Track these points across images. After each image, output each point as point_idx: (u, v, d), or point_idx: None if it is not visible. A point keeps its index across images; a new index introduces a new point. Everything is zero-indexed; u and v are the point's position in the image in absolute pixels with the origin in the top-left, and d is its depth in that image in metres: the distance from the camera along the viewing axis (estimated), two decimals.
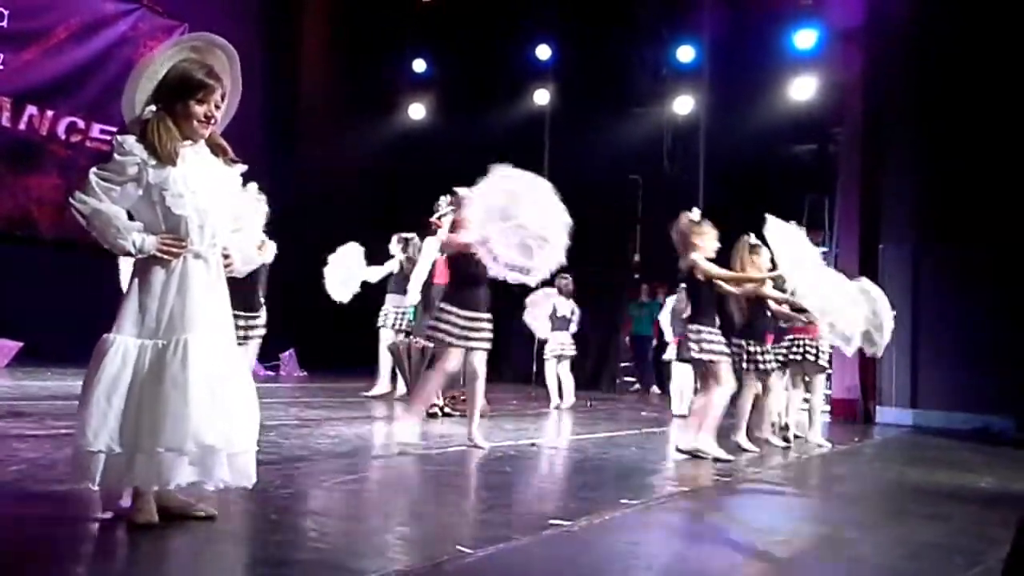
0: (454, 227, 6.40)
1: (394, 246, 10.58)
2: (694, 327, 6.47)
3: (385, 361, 10.33)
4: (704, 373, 6.66)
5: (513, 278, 5.99)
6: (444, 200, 8.75)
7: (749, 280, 7.01)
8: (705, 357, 6.39)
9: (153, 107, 3.44)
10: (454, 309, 6.18)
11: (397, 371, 9.99)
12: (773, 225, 6.77)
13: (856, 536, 4.30)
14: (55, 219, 12.60)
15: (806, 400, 8.44)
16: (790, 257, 6.70)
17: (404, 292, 9.96)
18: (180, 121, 3.45)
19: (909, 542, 4.11)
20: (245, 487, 3.51)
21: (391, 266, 10.50)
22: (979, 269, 11.03)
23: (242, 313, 6.37)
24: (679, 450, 6.53)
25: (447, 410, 8.65)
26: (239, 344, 6.43)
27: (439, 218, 8.56)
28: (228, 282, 3.62)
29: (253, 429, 3.54)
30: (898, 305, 11.42)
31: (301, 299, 10.96)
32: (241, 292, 5.86)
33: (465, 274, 6.22)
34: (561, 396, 11.17)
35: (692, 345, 6.46)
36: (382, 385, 10.32)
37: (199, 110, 3.45)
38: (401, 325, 10.32)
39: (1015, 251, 10.63)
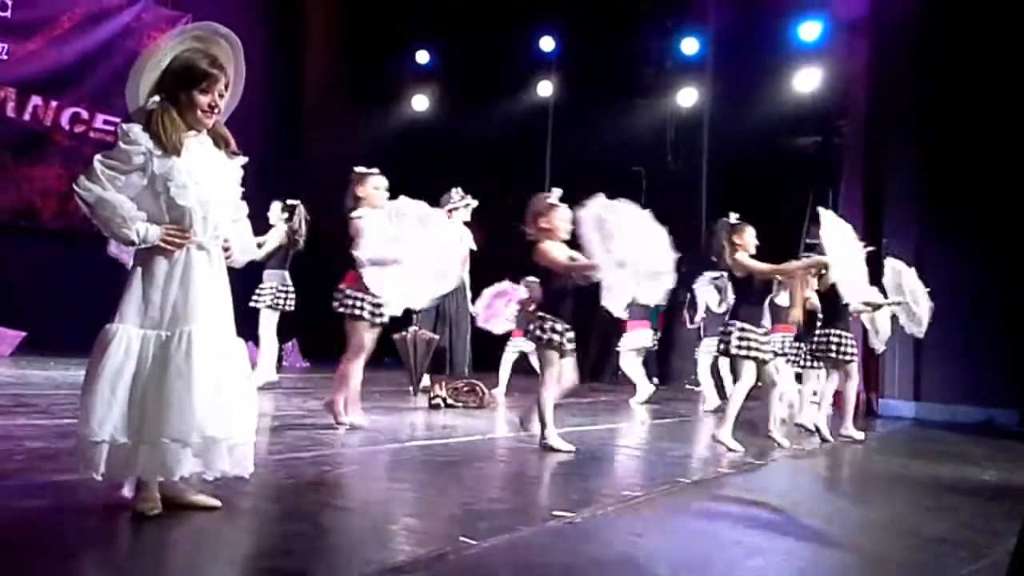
0: (543, 232, 6.18)
1: (276, 214, 9.55)
2: (737, 324, 6.63)
3: (270, 346, 9.41)
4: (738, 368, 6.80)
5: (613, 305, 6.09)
6: (457, 192, 8.72)
7: (791, 270, 7.27)
8: (742, 353, 6.55)
9: (157, 97, 3.43)
10: (559, 320, 6.09)
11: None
12: (827, 217, 7.11)
13: (858, 530, 4.30)
14: (58, 209, 12.63)
15: (814, 393, 8.47)
16: (839, 252, 6.92)
17: (286, 267, 9.37)
18: (184, 111, 3.44)
19: (912, 536, 4.11)
20: (243, 477, 3.52)
21: (275, 238, 9.39)
22: (983, 262, 11.01)
23: None
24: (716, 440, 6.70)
25: (449, 401, 8.65)
26: None
27: (450, 211, 8.49)
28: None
29: (252, 420, 3.55)
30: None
31: (304, 289, 10.95)
32: None
33: (564, 287, 6.17)
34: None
35: (735, 341, 6.57)
36: (267, 373, 9.14)
37: (203, 100, 3.45)
38: (284, 305, 9.35)
39: (1018, 244, 10.61)
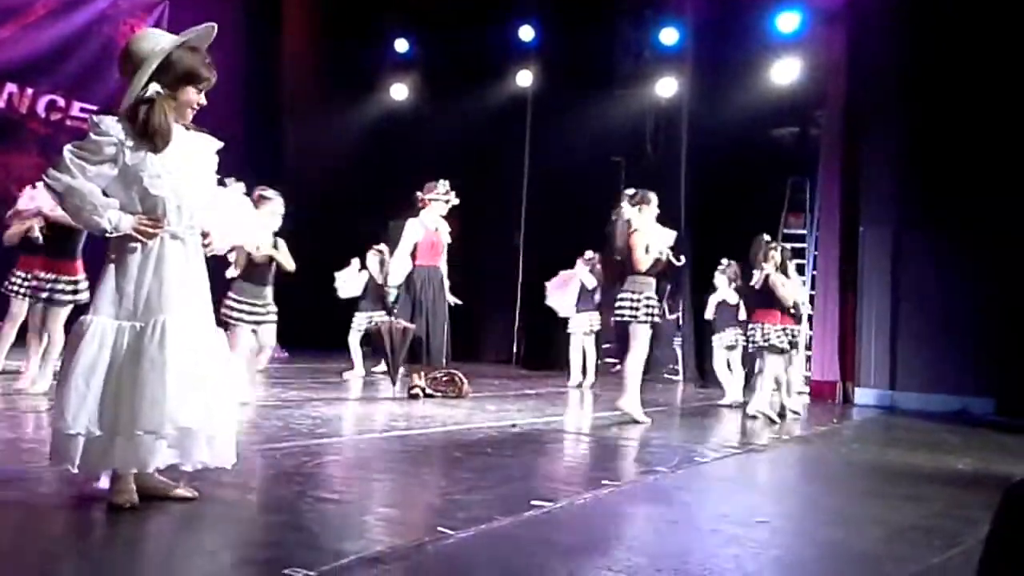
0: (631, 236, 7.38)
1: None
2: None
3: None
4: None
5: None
6: (443, 184, 8.73)
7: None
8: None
9: (158, 88, 3.41)
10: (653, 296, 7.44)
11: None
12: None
13: (834, 518, 4.33)
14: None
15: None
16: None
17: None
18: (178, 106, 3.46)
19: (887, 524, 4.14)
20: (225, 468, 3.51)
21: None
22: (959, 252, 11.08)
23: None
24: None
25: (428, 391, 8.65)
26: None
27: (425, 200, 8.56)
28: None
29: (233, 410, 3.54)
30: (878, 287, 11.57)
31: (281, 280, 10.91)
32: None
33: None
34: (584, 374, 11.42)
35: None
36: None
37: (196, 98, 3.50)
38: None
39: (995, 234, 10.68)
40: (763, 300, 8.65)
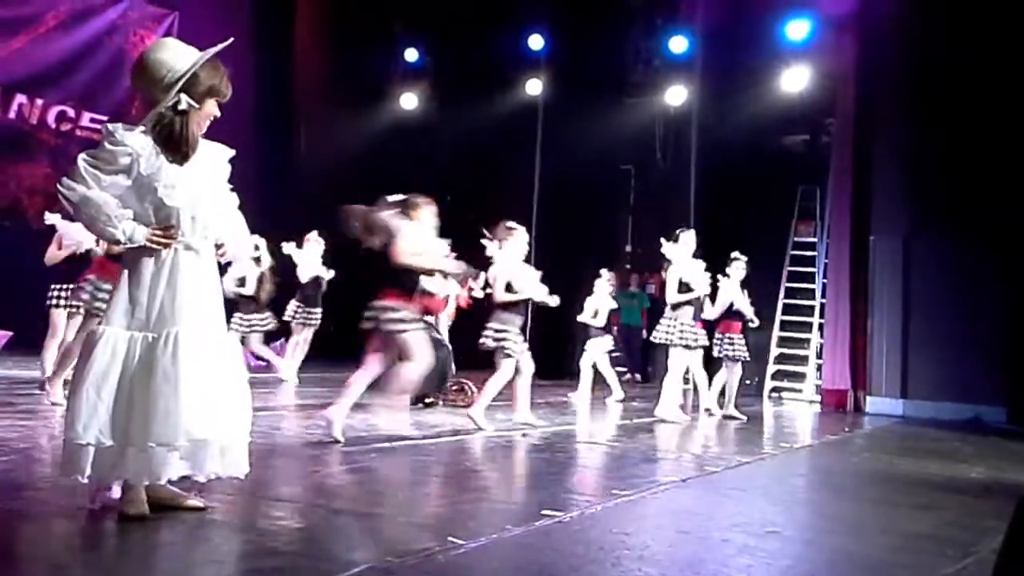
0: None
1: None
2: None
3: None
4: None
5: None
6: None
7: None
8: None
9: (189, 100, 3.43)
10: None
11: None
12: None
13: (846, 527, 4.31)
14: (46, 208, 12.52)
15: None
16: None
17: None
18: (199, 118, 3.50)
19: (899, 533, 4.12)
20: (237, 478, 3.51)
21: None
22: (970, 260, 11.04)
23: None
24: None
25: (438, 401, 8.65)
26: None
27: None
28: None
29: (246, 420, 3.54)
30: (889, 295, 11.53)
31: (293, 289, 10.92)
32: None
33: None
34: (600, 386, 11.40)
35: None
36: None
37: (215, 112, 3.54)
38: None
39: (1006, 242, 10.64)
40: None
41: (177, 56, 3.43)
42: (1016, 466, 7.03)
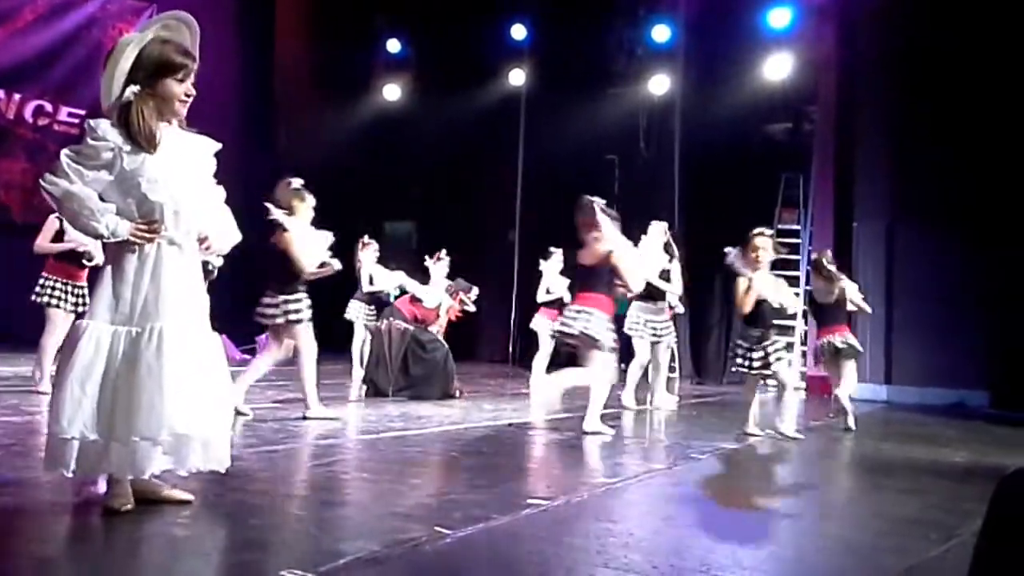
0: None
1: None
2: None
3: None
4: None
5: None
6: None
7: None
8: None
9: (135, 89, 3.38)
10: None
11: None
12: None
13: (832, 511, 4.33)
14: (25, 204, 12.46)
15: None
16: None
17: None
18: (160, 102, 3.41)
19: (884, 517, 4.14)
20: (218, 471, 3.50)
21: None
22: (953, 245, 11.08)
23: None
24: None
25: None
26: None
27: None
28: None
29: (227, 414, 3.53)
30: (872, 281, 11.57)
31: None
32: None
33: None
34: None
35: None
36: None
37: (179, 90, 3.43)
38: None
39: (989, 227, 10.68)
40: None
41: (122, 48, 3.39)
42: (998, 450, 7.07)
